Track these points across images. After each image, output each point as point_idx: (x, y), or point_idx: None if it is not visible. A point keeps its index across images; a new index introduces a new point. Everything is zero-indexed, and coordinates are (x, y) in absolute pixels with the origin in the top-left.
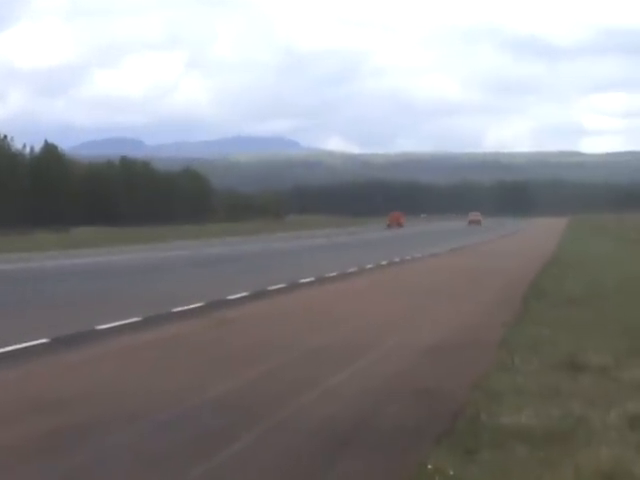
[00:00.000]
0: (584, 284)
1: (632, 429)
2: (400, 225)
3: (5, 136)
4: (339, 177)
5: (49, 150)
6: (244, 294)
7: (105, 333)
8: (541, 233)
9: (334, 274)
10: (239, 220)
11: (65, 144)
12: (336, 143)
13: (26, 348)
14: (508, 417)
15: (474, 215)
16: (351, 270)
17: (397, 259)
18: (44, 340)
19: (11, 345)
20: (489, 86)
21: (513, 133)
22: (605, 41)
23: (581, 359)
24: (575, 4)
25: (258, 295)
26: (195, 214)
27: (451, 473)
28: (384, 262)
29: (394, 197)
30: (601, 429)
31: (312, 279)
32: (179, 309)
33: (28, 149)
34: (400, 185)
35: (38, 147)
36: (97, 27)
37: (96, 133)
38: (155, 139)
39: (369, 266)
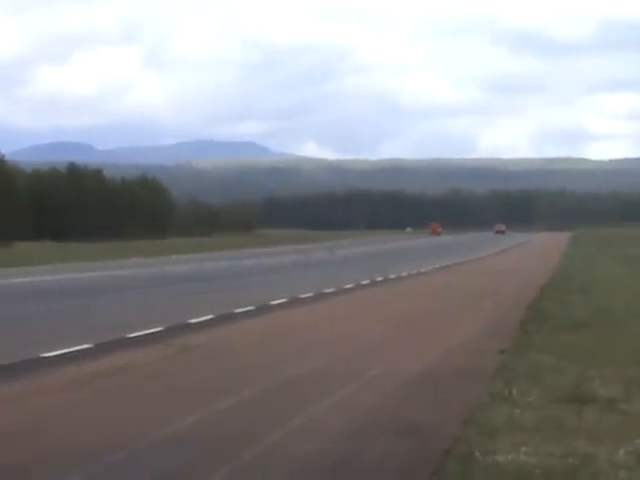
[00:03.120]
0: (589, 307)
1: None
2: (439, 234)
3: None
4: (315, 186)
5: None
6: (208, 317)
7: (52, 362)
8: (540, 249)
9: (309, 295)
10: (203, 234)
11: (6, 149)
12: (312, 149)
13: None
14: (505, 455)
15: (499, 226)
16: (328, 290)
17: (380, 278)
18: None
19: None
20: (484, 85)
21: (510, 137)
22: (612, 36)
23: (586, 390)
24: None
25: (224, 318)
26: (154, 227)
27: None
28: (365, 281)
29: (377, 208)
30: (608, 468)
31: (285, 300)
32: (135, 334)
33: None
34: (384, 195)
35: None
36: (43, 19)
37: (41, 137)
38: (107, 143)
39: (348, 286)
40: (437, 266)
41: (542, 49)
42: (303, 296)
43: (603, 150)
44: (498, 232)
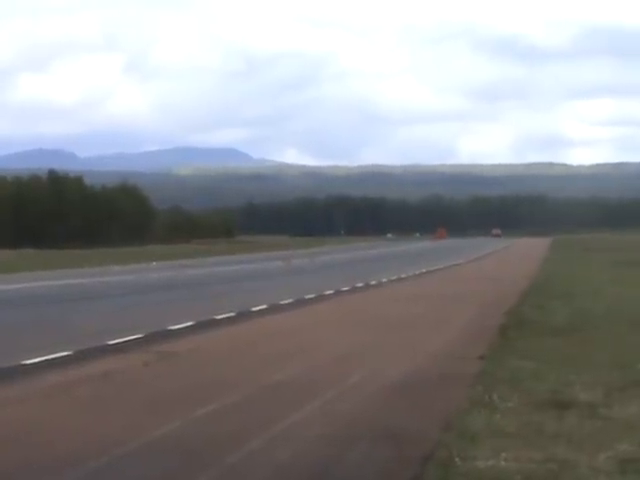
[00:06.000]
0: (569, 312)
1: (623, 474)
2: (444, 238)
3: None
4: (296, 192)
5: None
6: (189, 324)
7: (31, 369)
8: (521, 255)
9: (290, 301)
10: (183, 241)
11: None
12: (292, 155)
13: None
14: (485, 461)
15: (496, 231)
16: (309, 297)
17: (360, 284)
18: None
19: None
20: (464, 91)
21: (490, 143)
22: (591, 42)
23: (567, 395)
24: (558, 1)
25: (204, 325)
26: (134, 235)
27: None
28: (345, 288)
29: (358, 214)
30: (588, 474)
31: (265, 307)
32: (115, 341)
33: None
34: (364, 201)
35: None
36: (24, 27)
37: (22, 144)
38: (89, 151)
39: (328, 292)
40: (418, 272)
41: (522, 56)
42: (283, 302)
43: (583, 156)
44: (495, 236)
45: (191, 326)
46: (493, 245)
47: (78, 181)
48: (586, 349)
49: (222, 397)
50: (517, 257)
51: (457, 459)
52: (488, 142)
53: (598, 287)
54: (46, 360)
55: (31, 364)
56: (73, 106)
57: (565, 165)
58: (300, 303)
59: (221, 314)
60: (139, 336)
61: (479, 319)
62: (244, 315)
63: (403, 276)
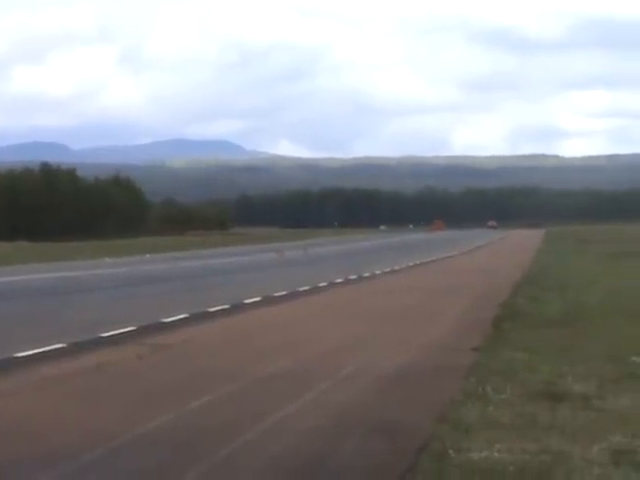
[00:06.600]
0: (563, 304)
1: (616, 465)
2: (441, 230)
3: None
4: (289, 184)
5: None
6: (182, 316)
7: (25, 361)
8: (515, 247)
9: (283, 293)
10: (177, 233)
11: None
12: (286, 147)
13: None
14: (479, 452)
15: (492, 223)
16: (303, 289)
17: (354, 276)
18: None
19: None
20: (457, 83)
21: (484, 135)
22: (584, 34)
23: (560, 387)
24: None
25: (198, 317)
26: (128, 227)
27: None
28: (339, 280)
29: (352, 206)
30: (582, 466)
31: (258, 299)
32: (109, 334)
33: None
34: (358, 193)
35: None
36: (17, 18)
37: (15, 137)
38: (82, 143)
39: (322, 284)
40: (411, 264)
41: (515, 47)
42: (277, 295)
43: (576, 147)
44: (490, 227)
45: (185, 318)
46: (488, 236)
47: (71, 174)
48: (580, 341)
49: (216, 389)
50: (511, 249)
51: (451, 451)
52: (482, 133)
53: (592, 279)
54: (40, 352)
55: (25, 356)
56: (67, 98)
57: (558, 157)
58: (294, 295)
59: (215, 306)
60: (133, 328)
61: (473, 311)
62: (238, 307)
63: (397, 268)
